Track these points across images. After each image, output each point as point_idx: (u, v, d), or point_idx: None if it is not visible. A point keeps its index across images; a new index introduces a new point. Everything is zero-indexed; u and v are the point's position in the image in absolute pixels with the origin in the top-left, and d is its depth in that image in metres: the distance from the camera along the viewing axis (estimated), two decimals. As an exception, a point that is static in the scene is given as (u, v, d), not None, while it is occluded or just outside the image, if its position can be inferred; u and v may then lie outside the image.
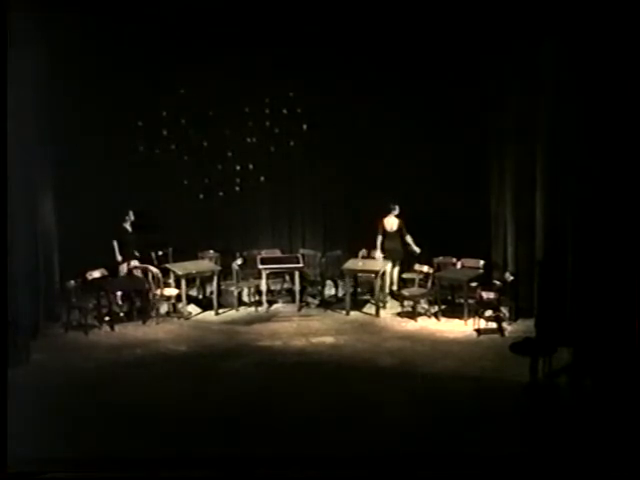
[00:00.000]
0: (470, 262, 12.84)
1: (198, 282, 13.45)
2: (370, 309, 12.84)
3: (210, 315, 12.73)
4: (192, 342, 11.56)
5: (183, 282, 12.52)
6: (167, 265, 13.00)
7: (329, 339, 11.59)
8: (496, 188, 13.08)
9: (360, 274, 13.23)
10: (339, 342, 11.48)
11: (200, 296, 13.46)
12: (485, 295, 12.04)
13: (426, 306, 12.64)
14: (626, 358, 8.96)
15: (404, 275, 13.37)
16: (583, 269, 10.39)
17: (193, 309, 12.93)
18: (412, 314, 12.40)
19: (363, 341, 11.52)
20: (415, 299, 12.52)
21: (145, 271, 12.62)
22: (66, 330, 11.88)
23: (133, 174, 13.72)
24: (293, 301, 13.11)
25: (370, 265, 13.03)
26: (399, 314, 12.64)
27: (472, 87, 12.89)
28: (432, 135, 13.48)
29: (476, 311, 11.94)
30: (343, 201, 14.45)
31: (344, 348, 11.26)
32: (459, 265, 12.90)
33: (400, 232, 13.14)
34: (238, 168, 14.22)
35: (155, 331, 11.99)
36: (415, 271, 13.06)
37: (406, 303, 12.72)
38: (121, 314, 12.48)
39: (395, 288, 13.29)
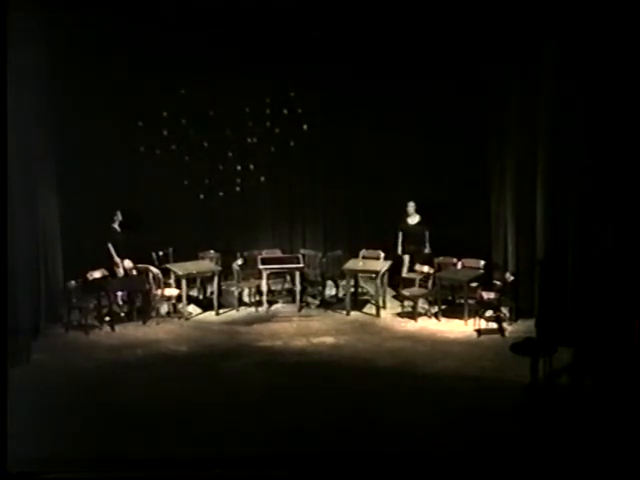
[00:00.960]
0: (470, 262, 12.83)
1: (198, 282, 13.45)
2: (370, 309, 12.84)
3: (211, 315, 12.74)
4: (193, 342, 11.56)
5: (184, 282, 12.52)
6: (168, 265, 13.00)
7: (329, 339, 11.59)
8: (496, 188, 13.07)
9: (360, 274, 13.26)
10: (339, 342, 11.48)
11: (200, 296, 13.46)
12: (485, 295, 12.04)
13: (426, 306, 12.64)
14: (626, 358, 8.96)
15: (404, 275, 13.36)
16: (583, 269, 10.39)
17: (193, 309, 12.93)
18: (412, 314, 12.40)
19: (363, 341, 11.52)
20: (415, 299, 12.51)
21: (146, 271, 12.62)
22: (67, 330, 11.89)
23: (134, 174, 13.74)
24: (293, 301, 13.11)
25: (370, 265, 13.03)
26: (399, 314, 12.65)
27: (473, 87, 12.88)
28: (433, 135, 13.47)
29: (476, 311, 11.94)
30: (343, 201, 14.46)
31: (344, 348, 11.26)
32: (459, 265, 12.89)
33: (420, 231, 13.14)
34: (239, 168, 14.22)
35: (155, 331, 12.00)
36: (415, 271, 13.06)
37: (406, 303, 12.72)
38: (121, 314, 12.48)
39: None
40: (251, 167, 14.22)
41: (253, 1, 12.47)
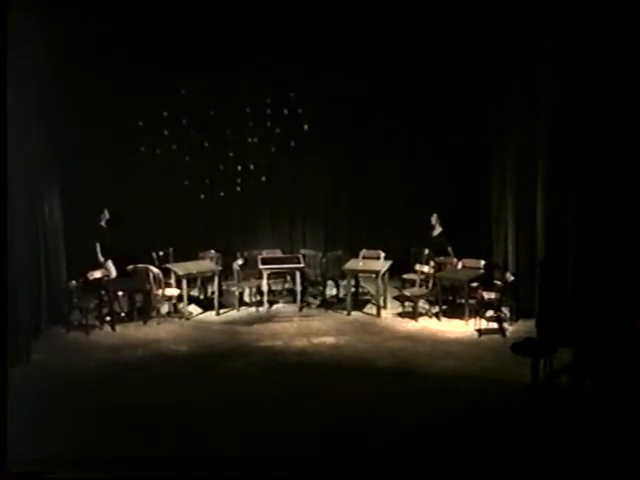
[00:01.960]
0: (471, 262, 12.82)
1: (199, 282, 13.45)
2: (371, 309, 12.84)
3: (211, 315, 12.74)
4: (193, 342, 11.55)
5: (184, 282, 12.53)
6: (168, 265, 13.00)
7: (330, 339, 11.59)
8: (497, 188, 13.07)
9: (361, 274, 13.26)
10: (340, 342, 11.48)
11: (201, 296, 13.46)
12: (486, 295, 12.03)
13: (427, 306, 12.64)
14: (627, 358, 8.95)
15: (405, 276, 13.35)
16: (584, 269, 10.39)
17: (194, 309, 12.93)
18: (413, 314, 12.40)
19: (364, 341, 11.52)
20: (416, 299, 12.51)
21: (146, 271, 12.62)
22: (67, 330, 11.89)
23: (134, 174, 13.75)
24: (294, 301, 13.11)
25: (371, 265, 13.03)
26: (400, 314, 12.64)
27: (474, 86, 12.89)
28: (434, 134, 13.49)
29: (477, 311, 11.94)
30: (344, 201, 14.46)
31: (345, 348, 11.26)
32: (460, 265, 12.89)
33: (443, 242, 13.18)
34: (239, 168, 14.25)
35: (156, 331, 12.00)
36: (416, 271, 13.06)
37: (407, 303, 12.72)
38: (122, 314, 12.48)
39: None
40: (252, 167, 14.24)
41: (254, 1, 12.47)
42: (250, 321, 12.48)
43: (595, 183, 10.15)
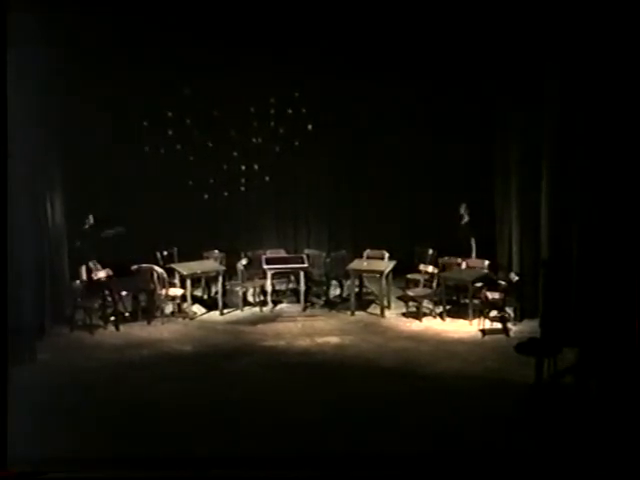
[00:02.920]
0: (475, 262, 12.82)
1: (203, 282, 13.46)
2: (375, 309, 12.83)
3: (215, 315, 12.74)
4: (197, 342, 11.56)
5: (188, 282, 12.54)
6: (172, 265, 13.00)
7: (334, 339, 11.59)
8: (501, 188, 13.05)
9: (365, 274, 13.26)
10: (344, 342, 11.48)
11: (205, 296, 13.47)
12: (490, 295, 12.01)
13: (431, 306, 12.63)
14: (631, 358, 8.94)
15: (409, 276, 13.34)
16: (588, 269, 10.36)
17: (198, 309, 12.94)
18: (417, 314, 12.40)
19: (368, 341, 11.51)
20: (420, 299, 12.51)
21: (150, 271, 12.63)
22: (71, 330, 11.89)
23: (138, 174, 13.76)
24: (298, 301, 13.10)
25: (375, 265, 13.02)
26: (404, 314, 12.63)
27: (476, 86, 12.88)
28: (437, 135, 13.48)
29: (481, 311, 11.93)
30: (348, 201, 14.46)
31: (349, 348, 11.26)
32: (464, 265, 12.88)
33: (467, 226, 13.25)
34: (243, 168, 14.24)
35: (160, 331, 12.00)
36: (420, 271, 13.06)
37: (411, 303, 12.71)
38: (126, 314, 12.49)
39: None
40: (255, 167, 14.24)
41: (257, 1, 12.47)
42: (254, 321, 12.49)
43: (600, 183, 10.13)
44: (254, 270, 13.33)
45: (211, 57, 13.12)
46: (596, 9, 9.74)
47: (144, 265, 12.79)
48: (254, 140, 14.11)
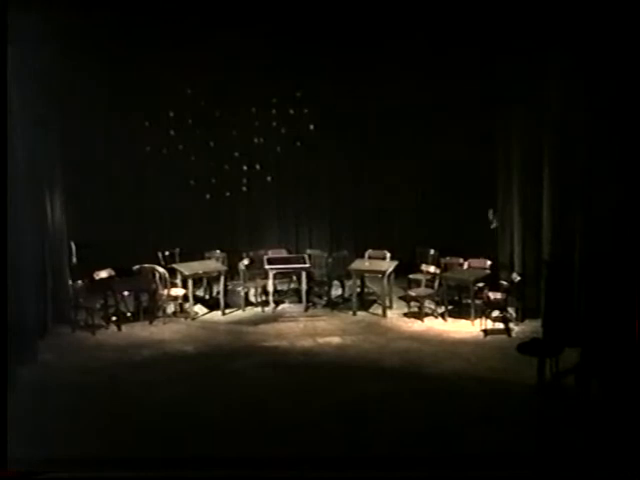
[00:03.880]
0: (477, 262, 12.80)
1: (205, 282, 13.47)
2: (377, 309, 12.82)
3: (217, 315, 12.74)
4: (199, 342, 11.56)
5: (190, 282, 12.54)
6: (174, 265, 12.99)
7: (336, 339, 11.58)
8: (503, 188, 13.04)
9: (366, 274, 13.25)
10: (346, 342, 11.47)
11: (207, 296, 13.47)
12: (492, 295, 12.00)
13: (433, 306, 12.61)
14: (633, 359, 8.92)
15: (411, 276, 13.33)
16: (590, 269, 10.36)
17: (200, 309, 12.94)
18: (419, 314, 12.38)
19: (370, 341, 11.51)
20: (422, 299, 12.49)
21: (152, 271, 12.63)
22: (73, 330, 11.90)
23: (140, 174, 13.77)
24: (300, 301, 13.10)
25: (377, 265, 13.02)
26: (406, 314, 12.63)
27: (479, 85, 12.87)
28: (439, 134, 13.47)
29: (483, 311, 11.92)
30: (349, 201, 14.46)
31: (351, 348, 11.25)
32: (466, 265, 12.87)
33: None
34: (245, 168, 14.23)
35: (162, 331, 12.00)
36: (422, 271, 13.05)
37: (413, 303, 12.70)
38: (128, 314, 12.49)
39: None
40: (257, 167, 14.23)
41: (258, 0, 12.45)
42: (256, 321, 12.48)
43: (602, 182, 10.12)
44: (256, 270, 13.33)
45: (213, 57, 13.11)
46: (597, 8, 9.72)
47: (146, 265, 12.79)
48: (256, 140, 14.09)
